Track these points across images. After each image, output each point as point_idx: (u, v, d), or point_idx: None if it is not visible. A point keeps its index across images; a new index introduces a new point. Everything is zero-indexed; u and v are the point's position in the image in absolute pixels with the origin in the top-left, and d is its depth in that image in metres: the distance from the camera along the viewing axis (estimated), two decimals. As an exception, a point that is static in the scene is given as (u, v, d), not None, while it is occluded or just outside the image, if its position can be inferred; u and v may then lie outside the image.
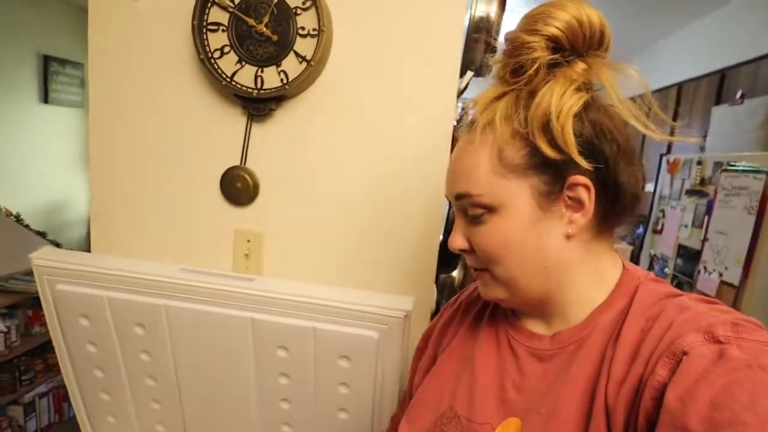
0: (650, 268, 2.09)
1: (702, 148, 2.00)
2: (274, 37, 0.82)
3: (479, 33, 0.91)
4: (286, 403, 0.85)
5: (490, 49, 0.93)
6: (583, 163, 0.41)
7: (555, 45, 0.43)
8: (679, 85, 2.62)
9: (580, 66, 0.43)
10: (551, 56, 0.43)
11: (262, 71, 0.83)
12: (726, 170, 1.57)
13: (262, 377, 0.84)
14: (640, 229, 2.80)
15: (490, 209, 0.45)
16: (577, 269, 0.46)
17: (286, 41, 0.82)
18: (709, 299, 0.42)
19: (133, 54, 0.90)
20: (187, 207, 0.93)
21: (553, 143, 0.42)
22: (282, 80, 0.83)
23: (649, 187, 2.56)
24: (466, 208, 0.47)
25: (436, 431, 0.51)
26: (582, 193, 0.43)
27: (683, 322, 0.38)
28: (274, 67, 0.83)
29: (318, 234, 0.90)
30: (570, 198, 0.44)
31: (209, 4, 0.83)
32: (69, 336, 0.88)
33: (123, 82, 0.91)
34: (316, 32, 0.81)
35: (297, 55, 0.82)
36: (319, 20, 0.80)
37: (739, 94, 1.88)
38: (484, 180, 0.45)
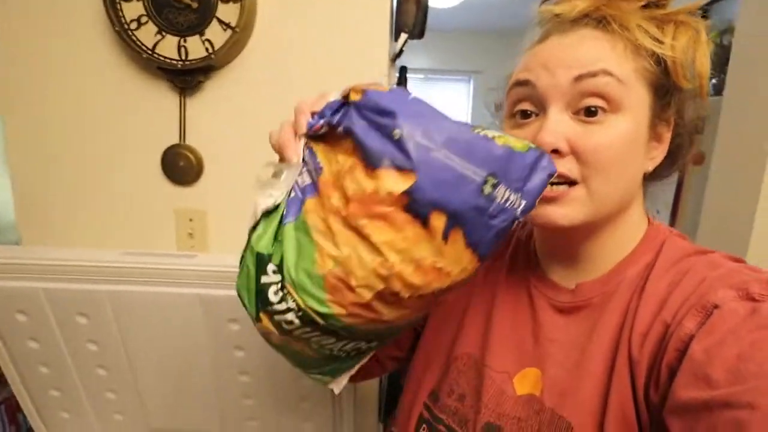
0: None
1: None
2: (194, 4, 0.78)
3: (408, -7, 0.91)
4: (245, 375, 0.86)
5: (421, 8, 0.93)
6: (706, 96, 0.42)
7: None
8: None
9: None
10: None
11: (184, 41, 0.80)
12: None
13: (217, 352, 0.83)
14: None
15: (616, 107, 0.39)
16: (632, 213, 0.45)
17: (208, 7, 0.78)
18: (736, 257, 0.41)
19: (46, 31, 0.83)
20: (127, 190, 0.89)
21: (686, 75, 0.41)
22: (207, 50, 0.80)
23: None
24: (581, 99, 0.39)
25: (453, 376, 0.49)
26: (665, 130, 0.43)
27: (717, 278, 0.37)
28: (197, 36, 0.80)
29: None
30: (657, 134, 0.43)
31: (120, -29, 0.78)
32: (6, 334, 0.84)
33: (37, 63, 0.84)
34: (238, -3, 0.78)
35: (220, 22, 0.79)
36: (240, -16, 0.77)
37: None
38: (623, 70, 0.39)
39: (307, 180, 0.36)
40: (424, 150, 0.30)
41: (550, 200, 0.41)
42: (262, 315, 0.36)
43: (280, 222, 0.36)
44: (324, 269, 0.33)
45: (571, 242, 0.46)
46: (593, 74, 0.39)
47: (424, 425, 0.51)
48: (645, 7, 0.42)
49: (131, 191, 0.89)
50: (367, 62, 0.84)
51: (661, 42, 0.40)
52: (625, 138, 0.40)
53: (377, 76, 0.84)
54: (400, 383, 0.61)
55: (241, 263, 0.39)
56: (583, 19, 0.42)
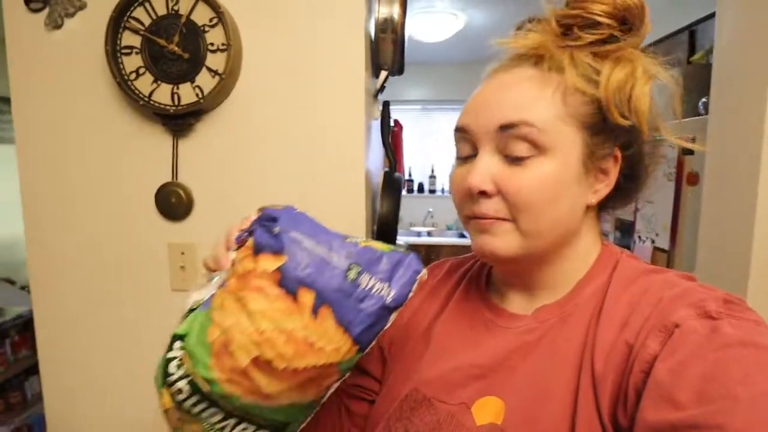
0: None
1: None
2: (186, 55, 0.86)
3: (385, 33, 0.97)
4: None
5: (398, 47, 0.99)
6: (647, 132, 0.43)
7: (625, 21, 0.42)
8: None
9: (646, 53, 0.43)
10: (619, 31, 0.42)
11: (177, 88, 0.87)
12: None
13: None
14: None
15: (542, 150, 0.41)
16: (581, 242, 0.46)
17: (198, 58, 0.86)
18: (689, 275, 0.42)
19: (54, 83, 0.92)
20: (124, 226, 0.95)
21: (622, 112, 0.42)
22: (197, 95, 0.87)
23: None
24: (507, 144, 0.42)
25: (406, 415, 0.47)
26: (611, 165, 0.44)
27: (674, 297, 0.38)
28: (188, 83, 0.87)
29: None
30: (601, 168, 0.44)
31: (121, 29, 0.86)
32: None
33: (46, 111, 0.93)
34: (225, 47, 0.85)
35: (209, 70, 0.86)
36: (226, 35, 0.85)
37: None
38: (546, 116, 0.41)
39: (213, 290, 0.42)
40: (294, 242, 0.38)
41: (483, 230, 0.44)
42: (163, 390, 0.39)
43: (196, 310, 0.41)
44: (213, 337, 0.37)
45: (522, 271, 0.47)
46: (514, 125, 0.41)
47: None
48: (592, 43, 0.43)
49: (129, 226, 0.95)
50: (344, 99, 0.89)
51: (594, 81, 0.42)
52: (550, 178, 0.41)
53: (354, 111, 0.89)
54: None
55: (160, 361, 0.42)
56: (523, 57, 0.45)
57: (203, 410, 0.38)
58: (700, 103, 1.42)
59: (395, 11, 0.97)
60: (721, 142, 1.17)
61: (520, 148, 0.41)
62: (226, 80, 0.86)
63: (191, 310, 0.42)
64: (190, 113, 0.89)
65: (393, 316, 0.40)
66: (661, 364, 0.33)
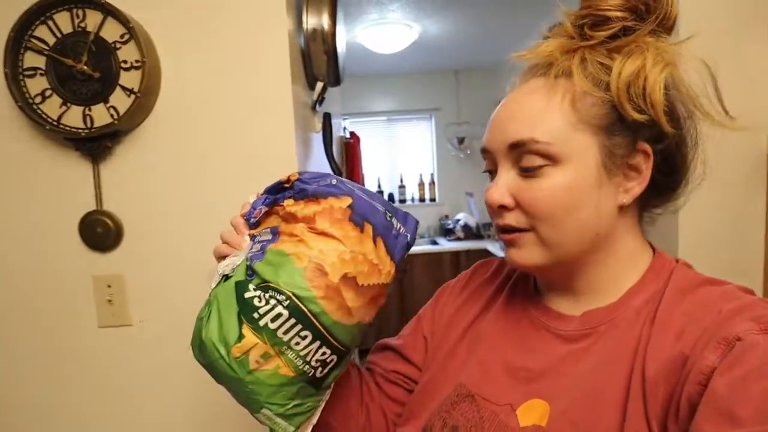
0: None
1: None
2: (97, 74, 0.80)
3: (315, 43, 0.94)
4: None
5: (331, 57, 0.96)
6: (666, 126, 0.41)
7: (636, 10, 0.41)
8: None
9: (662, 39, 0.42)
10: (633, 21, 0.41)
11: (89, 110, 0.81)
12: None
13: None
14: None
15: (554, 161, 0.41)
16: (620, 245, 0.45)
17: (110, 76, 0.80)
18: (747, 288, 0.41)
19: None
20: (45, 261, 0.87)
21: (638, 106, 0.40)
22: (112, 116, 0.81)
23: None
24: (520, 158, 0.43)
25: (446, 408, 0.48)
26: (641, 161, 0.43)
27: (735, 309, 0.37)
28: (102, 104, 0.81)
29: (183, 271, 0.88)
30: (629, 166, 0.43)
31: (22, 50, 0.80)
32: None
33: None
34: (139, 64, 0.80)
35: (123, 88, 0.81)
36: (140, 51, 0.80)
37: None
38: (555, 127, 0.41)
39: (258, 248, 0.47)
40: (350, 188, 0.47)
41: (509, 244, 0.46)
42: (244, 330, 0.43)
43: (248, 268, 0.46)
44: (303, 263, 0.43)
45: (559, 277, 0.47)
46: (522, 143, 0.42)
47: None
48: (604, 41, 0.42)
49: (50, 259, 0.88)
50: (272, 112, 0.85)
51: (605, 81, 0.41)
52: (565, 187, 0.41)
53: (284, 123, 0.85)
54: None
55: (202, 318, 0.46)
56: (535, 68, 0.46)
57: (295, 335, 0.43)
58: None
59: (324, 21, 0.94)
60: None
61: (533, 161, 0.42)
62: (143, 99, 0.80)
63: (226, 276, 0.47)
64: (106, 135, 0.82)
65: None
66: (721, 377, 0.33)
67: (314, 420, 0.49)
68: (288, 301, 0.42)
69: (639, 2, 0.41)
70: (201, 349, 0.45)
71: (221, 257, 0.49)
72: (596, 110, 0.41)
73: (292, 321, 0.43)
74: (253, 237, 0.49)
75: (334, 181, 0.47)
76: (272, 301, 0.43)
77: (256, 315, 0.43)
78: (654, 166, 0.43)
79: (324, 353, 0.45)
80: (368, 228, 0.45)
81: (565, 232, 0.42)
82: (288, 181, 0.48)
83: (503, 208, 0.44)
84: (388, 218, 0.47)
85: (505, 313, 0.52)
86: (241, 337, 0.43)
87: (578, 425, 0.39)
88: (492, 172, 0.47)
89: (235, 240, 0.49)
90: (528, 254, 0.45)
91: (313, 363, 0.45)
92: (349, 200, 0.45)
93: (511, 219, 0.44)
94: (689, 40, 0.42)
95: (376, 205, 0.47)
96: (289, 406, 0.47)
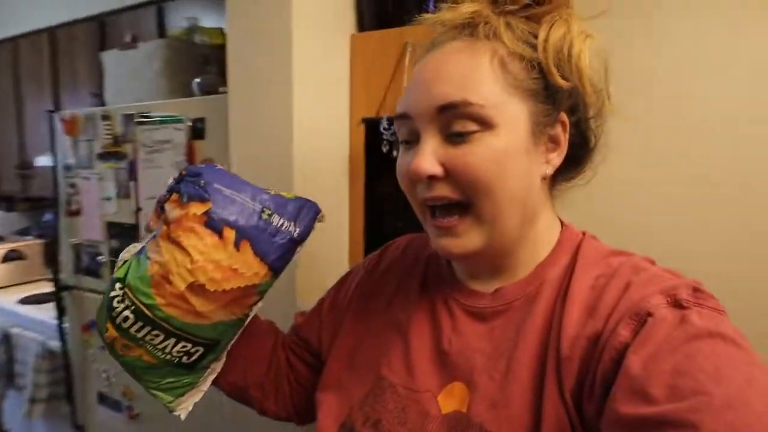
0: (78, 260, 1.59)
1: (101, 100, 1.76)
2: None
3: None
4: None
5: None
6: (590, 95, 0.41)
7: None
8: (52, 31, 2.19)
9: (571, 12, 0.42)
10: None
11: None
12: (141, 123, 1.49)
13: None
14: (49, 216, 2.26)
15: (487, 125, 0.39)
16: (541, 218, 0.44)
17: None
18: (650, 259, 0.41)
19: None
20: None
21: (564, 73, 0.40)
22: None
23: (44, 160, 2.08)
24: (450, 123, 0.40)
25: (369, 402, 0.47)
26: (560, 131, 0.42)
27: (644, 282, 0.37)
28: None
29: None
30: (550, 136, 0.42)
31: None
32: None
33: None
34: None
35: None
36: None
37: (129, 38, 1.78)
38: (487, 90, 0.39)
39: (146, 243, 0.51)
40: (217, 190, 0.48)
41: (446, 232, 0.42)
42: (108, 324, 0.48)
43: (127, 263, 0.50)
44: (152, 271, 0.46)
45: (487, 260, 0.45)
46: (454, 105, 0.39)
47: None
48: (526, 6, 0.41)
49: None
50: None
51: (532, 44, 0.40)
52: (499, 153, 0.39)
53: None
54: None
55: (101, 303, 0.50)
56: (457, 29, 0.43)
57: (146, 334, 0.47)
58: (194, 83, 1.38)
59: None
60: (246, 123, 1.00)
61: (465, 126, 0.39)
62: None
63: (125, 262, 0.50)
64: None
65: (300, 249, 0.52)
66: (634, 355, 0.33)
67: (203, 387, 0.55)
68: (134, 306, 0.47)
69: None
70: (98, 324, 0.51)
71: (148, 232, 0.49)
72: (525, 74, 0.40)
73: (140, 323, 0.47)
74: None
75: (202, 183, 0.47)
76: (122, 305, 0.47)
77: (113, 314, 0.48)
78: (569, 137, 0.43)
79: (184, 346, 0.49)
80: (228, 233, 0.46)
81: (501, 203, 0.40)
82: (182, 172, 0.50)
83: (433, 178, 0.40)
84: (265, 217, 0.48)
85: (419, 296, 0.50)
86: (105, 329, 0.49)
87: (498, 406, 0.39)
88: (409, 143, 0.43)
89: (150, 223, 0.50)
90: (468, 241, 0.41)
91: (174, 353, 0.49)
92: (208, 206, 0.46)
93: (444, 190, 0.41)
94: (599, 16, 0.44)
95: (251, 205, 0.48)
96: (162, 382, 0.52)
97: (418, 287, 0.51)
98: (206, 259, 0.45)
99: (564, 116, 0.43)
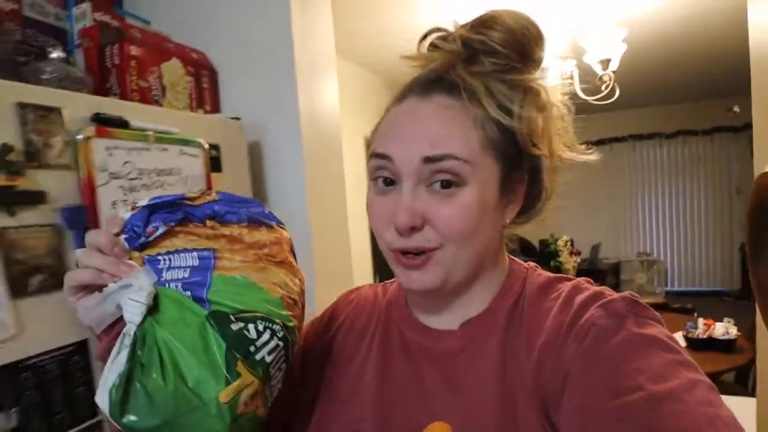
0: None
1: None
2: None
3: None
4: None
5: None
6: (554, 162, 0.46)
7: (520, 50, 0.43)
8: None
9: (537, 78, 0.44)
10: (518, 59, 0.43)
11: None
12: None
13: None
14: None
15: (467, 179, 0.42)
16: (497, 258, 0.49)
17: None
18: (590, 280, 0.47)
19: None
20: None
21: (536, 144, 0.44)
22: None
23: None
24: (431, 175, 0.42)
25: None
26: (518, 186, 0.47)
27: (586, 299, 0.42)
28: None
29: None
30: (511, 190, 0.46)
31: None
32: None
33: None
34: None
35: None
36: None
37: None
38: (470, 146, 0.42)
39: (183, 273, 0.40)
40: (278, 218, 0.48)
41: (414, 267, 0.44)
42: (239, 368, 0.37)
43: (185, 297, 0.39)
44: (278, 294, 0.42)
45: (445, 296, 0.48)
46: (440, 158, 0.42)
47: None
48: (497, 71, 0.43)
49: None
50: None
51: (509, 111, 0.42)
52: (475, 207, 0.42)
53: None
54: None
55: (130, 370, 0.36)
56: (438, 83, 0.44)
57: (280, 366, 0.41)
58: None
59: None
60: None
61: (446, 178, 0.42)
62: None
63: (150, 311, 0.38)
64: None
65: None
66: (581, 361, 0.38)
67: None
68: (282, 332, 0.41)
69: (525, 44, 0.43)
70: (150, 408, 0.35)
71: (78, 287, 0.39)
72: (500, 136, 0.43)
73: (283, 352, 0.41)
74: (151, 260, 0.40)
75: (267, 210, 0.46)
76: (267, 333, 0.40)
77: (252, 348, 0.38)
78: (525, 189, 0.47)
79: (278, 389, 0.43)
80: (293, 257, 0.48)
81: (471, 250, 0.44)
82: (195, 198, 0.43)
83: (414, 229, 0.42)
84: None
85: (384, 346, 0.51)
86: (236, 375, 0.37)
87: None
88: (385, 180, 0.45)
89: (112, 268, 0.38)
90: (433, 276, 0.44)
91: (271, 400, 0.42)
92: (287, 232, 0.47)
93: (421, 240, 0.43)
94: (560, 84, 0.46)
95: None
96: None
97: (382, 337, 0.52)
98: (297, 279, 0.46)
99: (524, 174, 0.47)
